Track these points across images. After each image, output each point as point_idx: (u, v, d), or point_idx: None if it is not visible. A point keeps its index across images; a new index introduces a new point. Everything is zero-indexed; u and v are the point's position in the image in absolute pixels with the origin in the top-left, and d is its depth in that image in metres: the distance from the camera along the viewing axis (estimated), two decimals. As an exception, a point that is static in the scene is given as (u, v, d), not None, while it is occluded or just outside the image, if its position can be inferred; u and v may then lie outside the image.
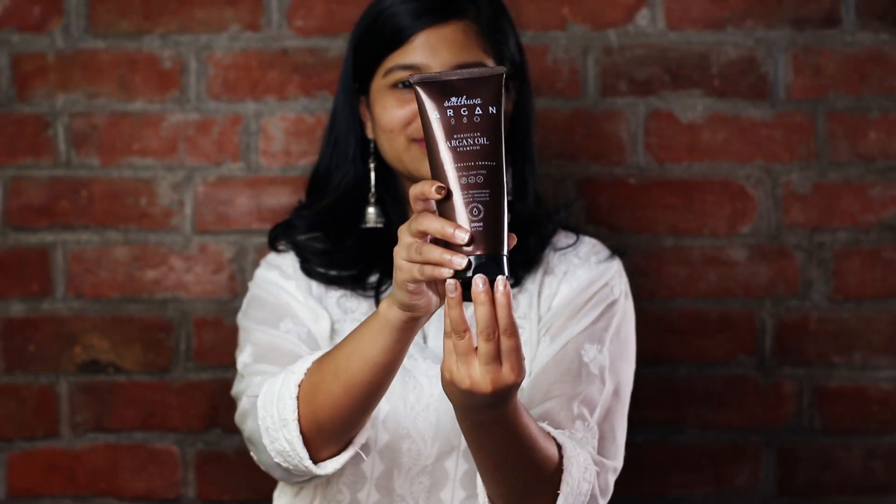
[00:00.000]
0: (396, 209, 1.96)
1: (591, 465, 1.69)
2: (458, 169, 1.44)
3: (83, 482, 2.38)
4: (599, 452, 1.77)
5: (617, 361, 1.85)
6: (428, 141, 1.46)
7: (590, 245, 1.95)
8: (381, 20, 1.89)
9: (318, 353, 1.70)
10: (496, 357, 1.45)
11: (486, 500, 1.65)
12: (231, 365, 2.17)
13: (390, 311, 1.55)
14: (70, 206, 2.37)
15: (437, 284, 1.52)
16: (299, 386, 1.68)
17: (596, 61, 2.36)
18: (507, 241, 1.45)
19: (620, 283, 1.92)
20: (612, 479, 1.78)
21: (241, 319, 1.93)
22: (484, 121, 1.45)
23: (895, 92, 2.35)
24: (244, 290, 2.32)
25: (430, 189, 1.44)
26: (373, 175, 1.95)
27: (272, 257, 1.97)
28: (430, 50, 1.86)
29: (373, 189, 1.95)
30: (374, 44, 1.90)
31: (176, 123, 2.37)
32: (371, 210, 1.95)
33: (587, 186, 2.36)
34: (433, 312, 1.54)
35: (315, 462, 1.71)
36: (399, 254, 1.48)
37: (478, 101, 1.46)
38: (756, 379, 2.36)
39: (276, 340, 1.86)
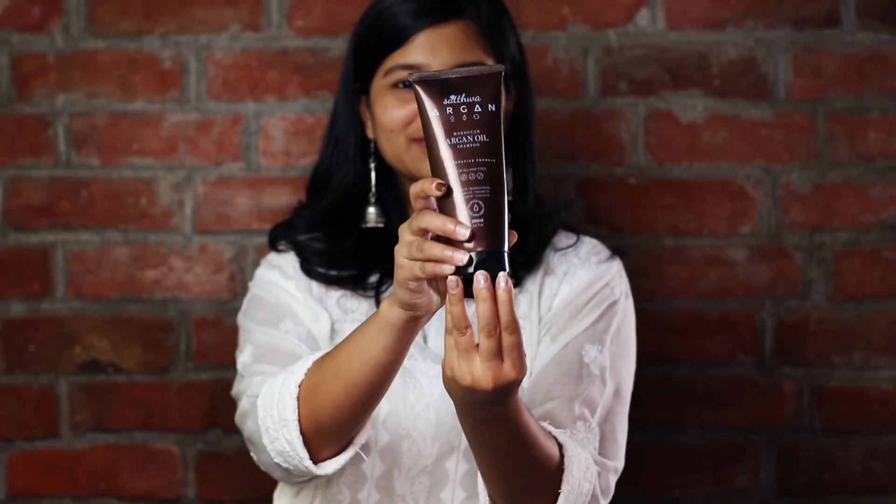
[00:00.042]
0: (397, 209, 1.96)
1: (592, 466, 1.69)
2: (459, 166, 1.45)
3: (83, 482, 2.38)
4: (600, 453, 1.77)
5: (617, 362, 1.85)
6: (428, 139, 1.47)
7: (590, 245, 1.95)
8: (382, 20, 1.89)
9: (319, 354, 1.70)
10: (497, 353, 1.45)
11: (487, 499, 1.65)
12: (231, 365, 2.17)
13: (391, 310, 1.55)
14: (70, 206, 2.37)
15: (437, 283, 1.52)
16: (299, 386, 1.68)
17: (596, 61, 2.36)
18: (508, 238, 1.45)
19: (621, 283, 1.92)
20: (613, 480, 1.78)
21: (242, 319, 1.93)
22: (483, 118, 1.46)
23: (895, 92, 2.35)
24: (244, 290, 2.32)
25: (430, 186, 1.44)
26: (373, 175, 1.95)
27: (272, 257, 1.97)
28: (430, 50, 1.86)
29: (373, 189, 1.95)
30: (374, 44, 1.90)
31: (176, 123, 2.37)
32: (371, 210, 1.95)
33: (587, 186, 2.36)
34: (434, 312, 1.54)
35: (315, 462, 1.71)
36: (400, 252, 1.48)
37: (477, 98, 1.46)
38: (756, 379, 2.36)
39: (276, 341, 1.86)
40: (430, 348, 1.89)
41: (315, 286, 1.93)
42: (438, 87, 1.47)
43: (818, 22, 2.35)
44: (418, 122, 1.83)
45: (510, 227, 1.46)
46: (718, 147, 2.35)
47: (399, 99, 1.88)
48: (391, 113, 1.88)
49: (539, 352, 1.85)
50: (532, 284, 1.90)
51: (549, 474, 1.62)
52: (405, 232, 1.48)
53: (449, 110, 1.46)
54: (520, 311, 1.88)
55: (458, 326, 1.44)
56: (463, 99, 1.47)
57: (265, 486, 2.10)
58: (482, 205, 1.44)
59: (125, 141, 2.37)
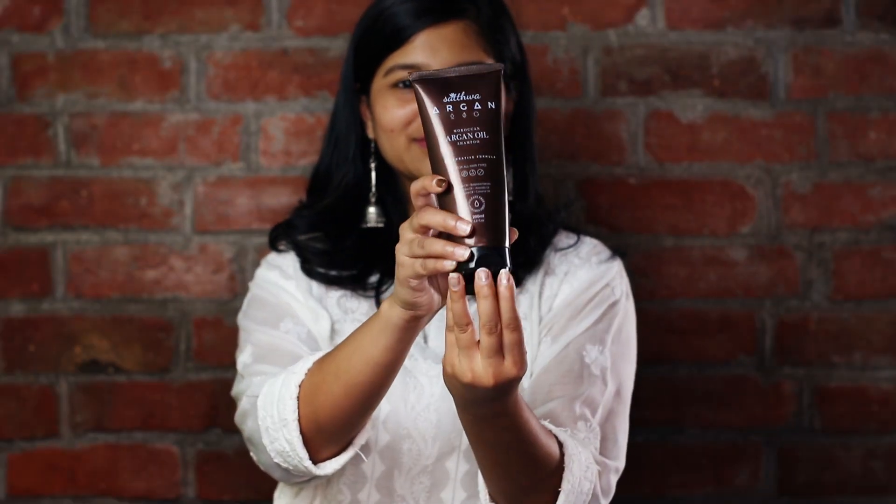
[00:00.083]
0: (397, 209, 1.96)
1: (593, 465, 1.69)
2: (459, 163, 1.45)
3: (83, 482, 2.38)
4: (601, 453, 1.77)
5: (618, 362, 1.85)
6: (428, 137, 1.47)
7: (591, 245, 1.95)
8: (382, 20, 1.89)
9: (319, 354, 1.70)
10: (498, 350, 1.45)
11: (487, 497, 1.65)
12: (231, 365, 2.17)
13: (392, 310, 1.55)
14: (70, 206, 2.37)
15: (438, 282, 1.52)
16: (300, 386, 1.68)
17: (596, 61, 2.36)
18: (509, 235, 1.45)
19: (621, 283, 1.92)
20: (614, 480, 1.78)
21: (242, 319, 1.93)
22: (483, 115, 1.46)
23: (895, 92, 2.35)
24: (244, 290, 2.32)
25: (430, 183, 1.44)
26: (373, 175, 1.95)
27: (273, 257, 1.97)
28: (430, 50, 1.86)
29: (373, 189, 1.95)
30: (374, 43, 1.90)
31: (176, 123, 2.37)
32: (372, 210, 1.94)
33: (587, 186, 2.36)
34: (435, 312, 1.54)
35: (315, 462, 1.71)
36: (401, 250, 1.48)
37: (477, 96, 1.47)
38: (756, 379, 2.36)
39: (276, 341, 1.86)
40: (430, 348, 1.89)
41: (315, 286, 1.93)
42: (438, 85, 1.48)
43: (818, 22, 2.35)
44: (419, 122, 1.83)
45: (510, 227, 1.46)
46: (718, 147, 2.35)
47: (399, 99, 1.88)
48: (391, 113, 1.88)
49: (540, 352, 1.85)
50: (532, 284, 1.90)
51: (550, 472, 1.62)
52: (406, 230, 1.48)
53: (449, 108, 1.47)
54: (520, 311, 1.88)
55: (460, 323, 1.44)
56: (463, 97, 1.47)
57: (265, 486, 2.09)
58: (483, 201, 1.44)
59: (125, 141, 2.37)
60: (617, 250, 1.95)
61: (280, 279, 1.93)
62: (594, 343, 1.83)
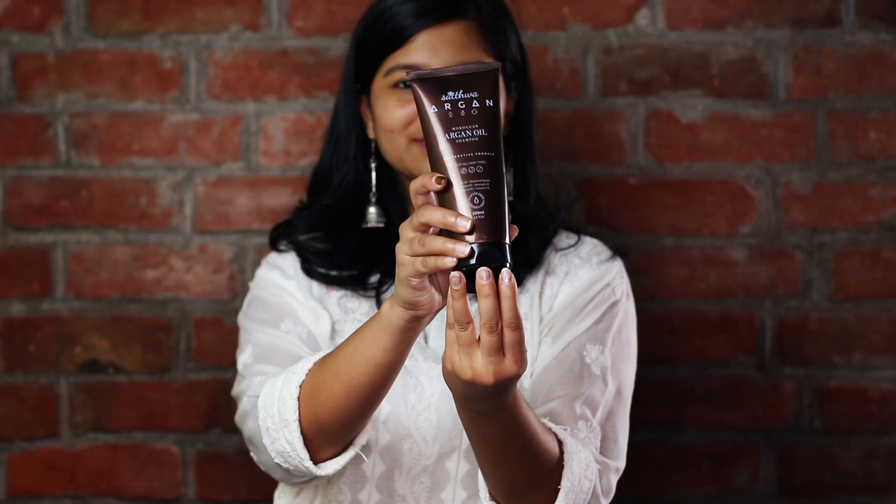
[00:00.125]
0: (397, 209, 1.96)
1: (593, 464, 1.69)
2: (458, 160, 1.45)
3: (83, 482, 2.38)
4: (602, 452, 1.77)
5: (619, 362, 1.85)
6: (427, 135, 1.47)
7: (591, 245, 1.95)
8: (383, 20, 1.89)
9: (320, 354, 1.70)
10: (499, 349, 1.45)
11: (487, 495, 1.65)
12: (231, 365, 2.17)
13: (392, 311, 1.55)
14: (70, 206, 2.37)
15: (439, 282, 1.52)
16: (300, 386, 1.68)
17: (596, 61, 2.36)
18: (509, 231, 1.45)
19: (622, 283, 1.92)
20: (614, 480, 1.78)
21: (242, 320, 1.93)
22: (481, 113, 1.47)
23: (895, 92, 2.35)
24: (244, 290, 2.32)
25: (429, 181, 1.45)
26: (374, 175, 1.95)
27: (273, 257, 1.97)
28: (431, 50, 1.86)
29: (374, 189, 1.95)
30: (375, 44, 1.90)
31: (176, 123, 2.37)
32: (372, 210, 1.94)
33: (587, 186, 2.36)
34: (436, 312, 1.54)
35: (315, 463, 1.71)
36: (402, 249, 1.48)
37: (474, 94, 1.47)
38: (756, 379, 2.36)
39: (276, 341, 1.86)
40: (430, 348, 1.89)
41: (316, 286, 1.93)
42: (436, 84, 1.48)
43: (818, 22, 2.35)
44: (419, 123, 1.83)
45: (511, 224, 1.46)
46: (718, 147, 2.35)
47: (400, 99, 1.87)
48: (392, 113, 1.88)
49: (540, 352, 1.85)
50: (533, 284, 1.90)
51: (549, 469, 1.62)
52: (406, 229, 1.48)
53: (447, 106, 1.47)
54: (521, 312, 1.87)
55: (461, 322, 1.44)
56: (461, 95, 1.47)
57: (265, 486, 2.09)
58: (482, 197, 1.44)
59: (125, 141, 2.37)
60: (617, 250, 1.95)
61: (280, 279, 1.93)
62: (594, 343, 1.84)
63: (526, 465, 1.60)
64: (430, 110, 1.47)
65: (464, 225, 1.43)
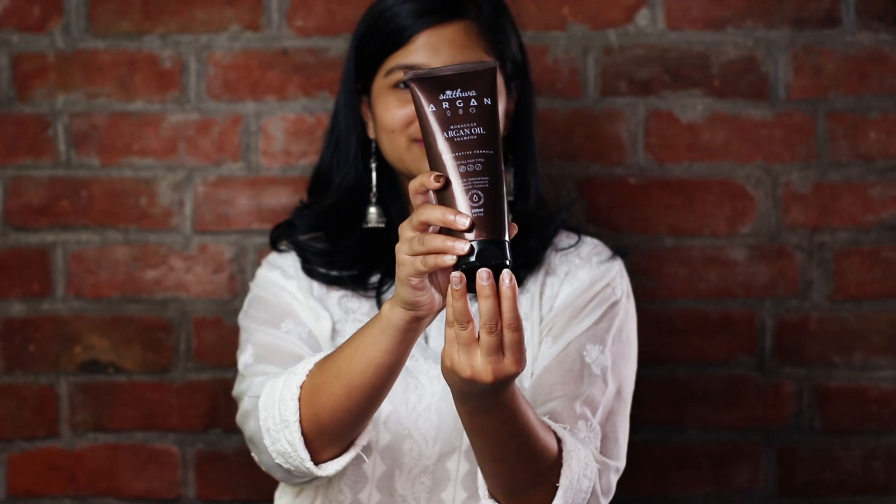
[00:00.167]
0: (398, 209, 1.96)
1: (592, 463, 1.69)
2: (457, 158, 1.45)
3: (83, 482, 2.38)
4: (602, 452, 1.77)
5: (619, 362, 1.85)
6: (425, 135, 1.47)
7: (591, 245, 1.95)
8: (383, 20, 1.89)
9: (320, 355, 1.70)
10: (498, 349, 1.45)
11: (487, 493, 1.65)
12: (231, 365, 2.17)
13: (393, 312, 1.55)
14: (70, 206, 2.37)
15: (439, 282, 1.52)
16: (301, 387, 1.68)
17: (596, 61, 2.36)
18: (509, 229, 1.45)
19: (622, 283, 1.92)
20: (614, 480, 1.78)
21: (243, 320, 1.93)
22: (480, 112, 1.47)
23: (895, 92, 2.35)
24: (244, 290, 2.32)
25: (428, 179, 1.45)
26: (374, 175, 1.95)
27: (273, 257, 1.97)
28: (431, 50, 1.86)
29: (374, 189, 1.95)
30: (375, 44, 1.90)
31: (176, 123, 2.37)
32: (372, 210, 1.94)
33: (587, 186, 2.36)
34: (436, 312, 1.54)
35: (316, 463, 1.71)
36: (401, 249, 1.48)
37: (472, 93, 1.47)
38: (756, 379, 2.36)
39: (277, 341, 1.86)
40: (431, 348, 1.89)
41: (316, 286, 1.93)
42: (434, 83, 1.48)
43: (818, 22, 2.35)
44: (419, 122, 1.84)
45: (510, 222, 1.47)
46: (718, 147, 2.35)
47: (400, 99, 1.87)
48: (392, 113, 1.88)
49: (540, 352, 1.85)
50: (533, 285, 1.90)
51: (548, 467, 1.62)
52: (405, 229, 1.48)
53: (445, 105, 1.47)
54: (521, 312, 1.87)
55: (461, 321, 1.45)
56: (459, 94, 1.48)
57: (265, 486, 2.09)
58: (481, 195, 1.44)
59: (125, 141, 2.37)
60: (618, 250, 1.95)
61: (281, 279, 1.93)
62: (595, 343, 1.84)
63: (524, 462, 1.60)
64: (428, 109, 1.48)
65: (463, 222, 1.43)
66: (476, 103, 1.47)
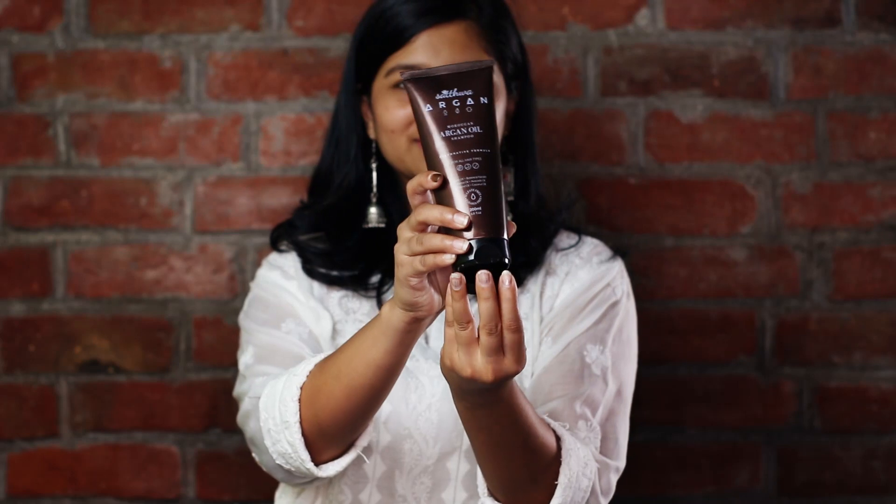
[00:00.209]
0: (398, 209, 1.96)
1: (592, 462, 1.69)
2: (454, 157, 1.45)
3: (83, 482, 2.38)
4: (602, 452, 1.77)
5: (619, 362, 1.85)
6: (422, 134, 1.47)
7: (592, 245, 1.95)
8: (383, 20, 1.89)
9: (321, 356, 1.70)
10: (498, 349, 1.45)
11: (486, 491, 1.65)
12: (231, 365, 2.17)
13: (393, 313, 1.55)
14: (70, 206, 2.37)
15: (438, 283, 1.52)
16: (301, 388, 1.68)
17: (596, 61, 2.36)
18: (507, 227, 1.45)
19: (622, 283, 1.92)
20: (614, 480, 1.79)
21: (243, 320, 1.93)
22: (476, 111, 1.47)
23: (895, 92, 2.35)
24: (244, 290, 2.32)
25: (426, 179, 1.45)
26: (374, 175, 1.95)
27: (274, 257, 1.97)
28: (431, 50, 1.86)
29: (374, 189, 1.95)
30: (375, 44, 1.90)
31: (176, 123, 2.37)
32: (373, 210, 1.94)
33: (587, 186, 2.36)
34: (436, 313, 1.54)
35: (317, 464, 1.71)
36: (400, 249, 1.48)
37: (469, 92, 1.47)
38: (756, 379, 2.36)
39: (277, 341, 1.86)
40: (431, 348, 1.89)
41: (317, 286, 1.93)
42: (430, 83, 1.48)
43: (818, 22, 2.35)
44: (419, 123, 1.84)
45: (508, 220, 1.47)
46: (718, 147, 2.35)
47: (400, 99, 1.87)
48: (392, 113, 1.88)
49: (541, 352, 1.85)
50: (534, 285, 1.90)
51: (547, 464, 1.63)
52: (404, 229, 1.48)
53: (441, 104, 1.47)
54: (521, 312, 1.88)
55: (460, 321, 1.45)
56: (455, 93, 1.48)
57: (265, 487, 2.09)
58: (479, 194, 1.44)
59: (125, 141, 2.37)
60: (618, 250, 1.95)
61: (281, 279, 1.93)
62: (595, 343, 1.84)
63: (523, 459, 1.60)
64: (425, 109, 1.48)
65: (461, 221, 1.43)
66: (472, 102, 1.48)
